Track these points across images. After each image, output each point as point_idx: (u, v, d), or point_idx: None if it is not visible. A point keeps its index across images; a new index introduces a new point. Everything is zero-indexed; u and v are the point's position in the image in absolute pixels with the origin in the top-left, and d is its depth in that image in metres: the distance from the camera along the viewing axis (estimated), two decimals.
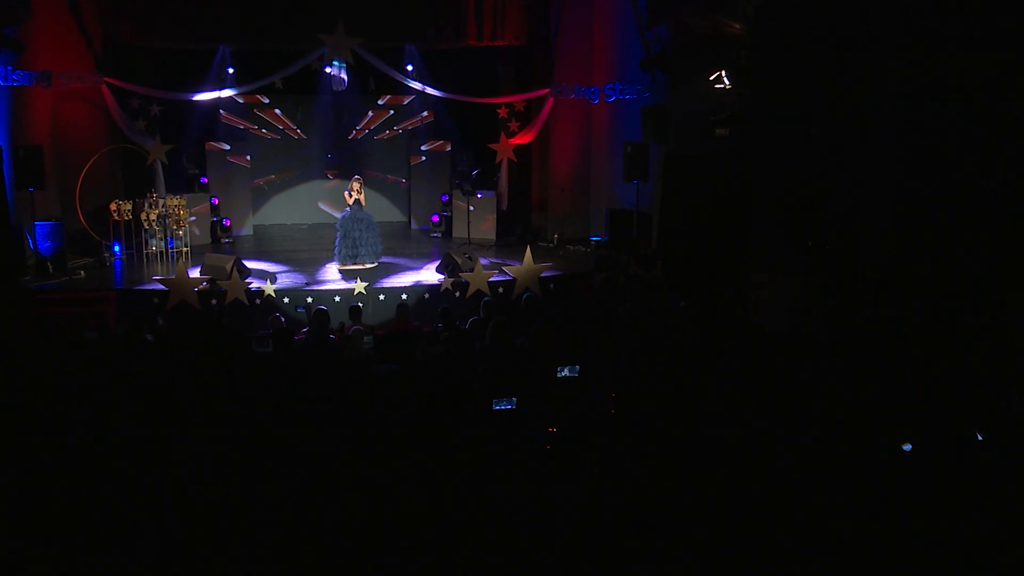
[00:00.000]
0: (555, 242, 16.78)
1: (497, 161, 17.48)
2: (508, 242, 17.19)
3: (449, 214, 18.07)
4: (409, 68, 16.91)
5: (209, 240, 16.99)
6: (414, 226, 19.20)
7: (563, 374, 7.10)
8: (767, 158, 12.05)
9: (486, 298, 10.57)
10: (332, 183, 19.55)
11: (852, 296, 10.15)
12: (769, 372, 7.71)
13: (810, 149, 11.15)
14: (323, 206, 19.71)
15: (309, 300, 12.82)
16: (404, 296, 13.18)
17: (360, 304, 11.30)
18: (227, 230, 17.37)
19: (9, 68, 13.52)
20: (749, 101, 12.32)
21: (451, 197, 17.91)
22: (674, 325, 9.96)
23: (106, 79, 15.21)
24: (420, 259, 15.56)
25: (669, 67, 14.24)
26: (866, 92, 10.08)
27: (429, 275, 14.08)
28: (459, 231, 17.75)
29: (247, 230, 18.37)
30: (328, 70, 16.89)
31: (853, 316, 10.03)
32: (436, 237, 17.99)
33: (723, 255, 12.90)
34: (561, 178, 17.50)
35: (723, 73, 12.49)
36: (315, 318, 9.98)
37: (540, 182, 17.82)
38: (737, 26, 12.62)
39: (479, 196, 16.93)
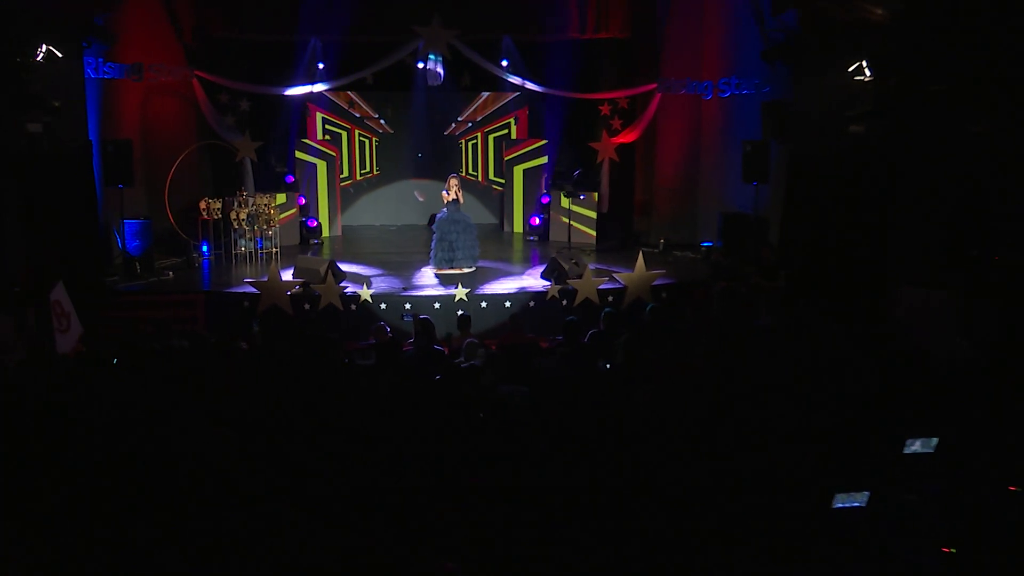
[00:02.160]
0: (661, 247, 15.68)
1: (598, 161, 16.48)
2: (609, 246, 16.17)
3: (547, 217, 17.13)
4: (504, 64, 16.00)
5: (297, 241, 16.33)
6: (506, 228, 18.30)
7: (913, 449, 5.33)
8: (917, 158, 10.86)
9: (607, 309, 9.59)
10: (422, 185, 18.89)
11: None
12: (943, 405, 6.57)
13: (972, 147, 9.93)
14: (417, 194, 18.95)
15: (407, 307, 12.01)
16: (508, 303, 12.27)
17: (467, 313, 10.41)
18: (313, 231, 16.67)
19: (100, 60, 12.99)
20: (894, 94, 11.13)
21: (552, 199, 16.96)
22: (827, 346, 8.82)
23: (196, 72, 14.60)
24: (519, 264, 14.65)
25: (794, 59, 13.05)
26: None
27: (532, 281, 13.16)
28: (556, 234, 16.83)
29: (336, 231, 17.66)
30: (420, 65, 16.16)
31: None
32: (533, 240, 17.05)
33: (859, 266, 11.72)
34: (667, 179, 16.41)
35: (864, 63, 11.29)
36: (420, 328, 9.10)
37: (644, 183, 16.74)
38: (879, 11, 11.43)
39: (582, 198, 15.93)
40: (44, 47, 10.25)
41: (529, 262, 14.88)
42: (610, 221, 16.67)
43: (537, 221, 17.27)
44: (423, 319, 9.45)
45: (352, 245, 16.65)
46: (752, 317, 10.99)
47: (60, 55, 10.60)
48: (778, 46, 13.33)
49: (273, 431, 6.09)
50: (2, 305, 8.63)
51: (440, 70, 15.36)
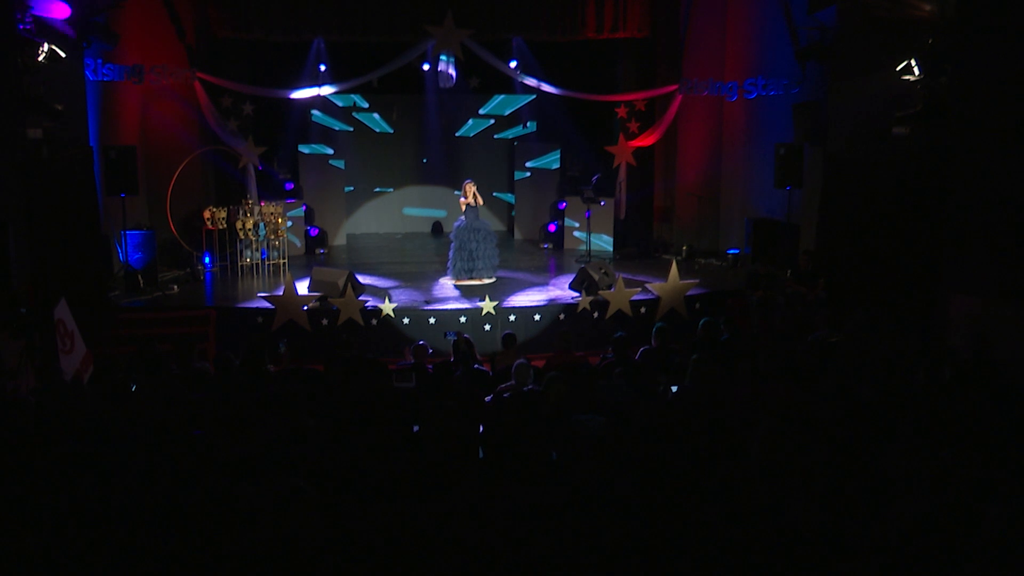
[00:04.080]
0: (684, 255, 15.10)
1: (615, 166, 15.86)
2: (627, 254, 15.60)
3: (561, 224, 16.52)
4: (512, 64, 15.34)
5: (303, 251, 15.60)
6: (518, 236, 17.66)
7: None
8: (974, 162, 10.30)
9: (659, 324, 8.96)
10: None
11: None
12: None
13: None
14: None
15: (432, 321, 11.35)
16: (537, 316, 11.63)
17: (511, 331, 9.74)
18: (318, 240, 15.94)
19: (99, 61, 12.20)
20: (947, 94, 10.58)
21: (568, 205, 16.36)
22: (895, 359, 8.24)
23: (199, 74, 13.84)
24: (539, 273, 14.02)
25: (831, 58, 12.50)
26: None
27: (560, 292, 12.52)
28: (571, 241, 16.24)
29: (340, 240, 16.96)
30: (426, 67, 15.51)
31: None
32: (548, 248, 16.42)
33: (907, 274, 11.16)
34: (689, 184, 15.80)
35: (913, 61, 10.75)
36: (465, 347, 8.43)
37: (665, 188, 16.12)
38: (927, 7, 10.90)
39: (602, 204, 15.31)
40: (46, 46, 9.49)
41: (547, 271, 14.27)
42: (628, 228, 16.08)
43: (553, 228, 16.63)
44: (462, 337, 8.81)
45: (359, 255, 15.94)
46: (804, 330, 10.42)
47: (63, 55, 9.84)
48: (812, 45, 12.77)
49: (334, 478, 5.43)
50: (7, 327, 7.86)
51: (452, 71, 14.69)
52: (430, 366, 8.28)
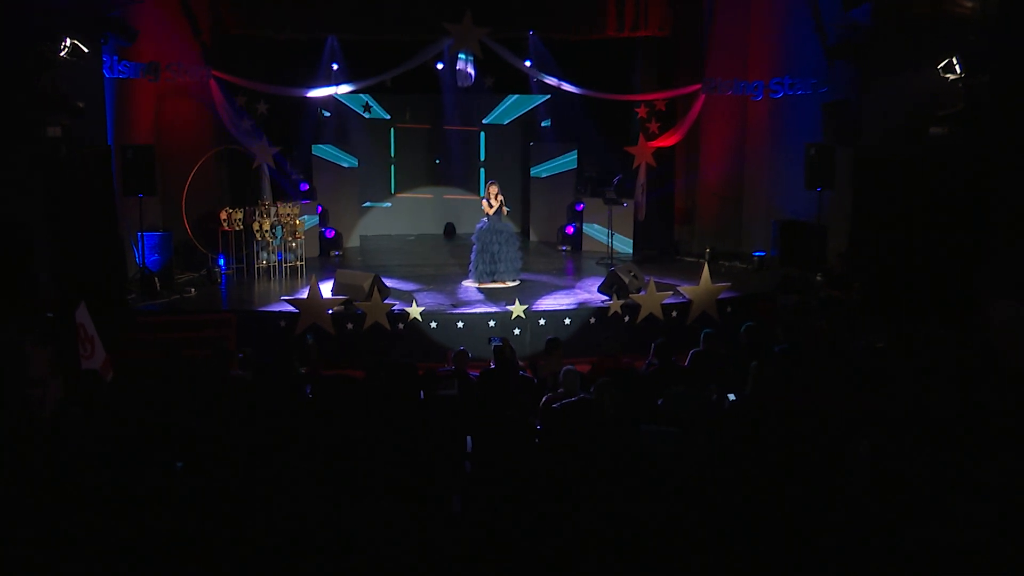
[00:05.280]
0: (707, 257, 14.80)
1: (634, 166, 15.55)
2: (648, 256, 15.32)
3: (579, 225, 16.24)
4: (528, 63, 15.05)
5: (317, 253, 15.27)
6: (534, 238, 17.37)
7: None
8: (1017, 161, 10.08)
9: (707, 330, 8.69)
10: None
11: None
12: None
13: None
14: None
15: (460, 325, 11.06)
16: (567, 320, 11.35)
17: (555, 336, 9.46)
18: (333, 242, 15.62)
19: (115, 58, 11.86)
20: (988, 94, 10.35)
21: (586, 207, 16.08)
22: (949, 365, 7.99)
23: (214, 72, 13.50)
24: (563, 276, 13.75)
25: (864, 56, 12.25)
26: None
27: (586, 295, 12.26)
28: (590, 244, 15.97)
29: (354, 241, 16.64)
30: (440, 66, 15.22)
31: None
32: (566, 250, 16.14)
33: (947, 277, 10.91)
34: (712, 185, 15.54)
35: (955, 59, 10.50)
36: (505, 353, 8.13)
37: (686, 190, 15.86)
38: (969, 5, 10.67)
39: (624, 205, 15.04)
40: (68, 41, 9.14)
41: (565, 273, 14.01)
42: (648, 230, 15.80)
43: (571, 230, 16.35)
44: (502, 341, 8.52)
45: (373, 257, 15.62)
46: (840, 335, 10.16)
47: (87, 50, 9.49)
48: (843, 43, 12.52)
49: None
50: (34, 333, 7.53)
51: (471, 70, 14.40)
52: (473, 372, 8.01)
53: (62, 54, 9.09)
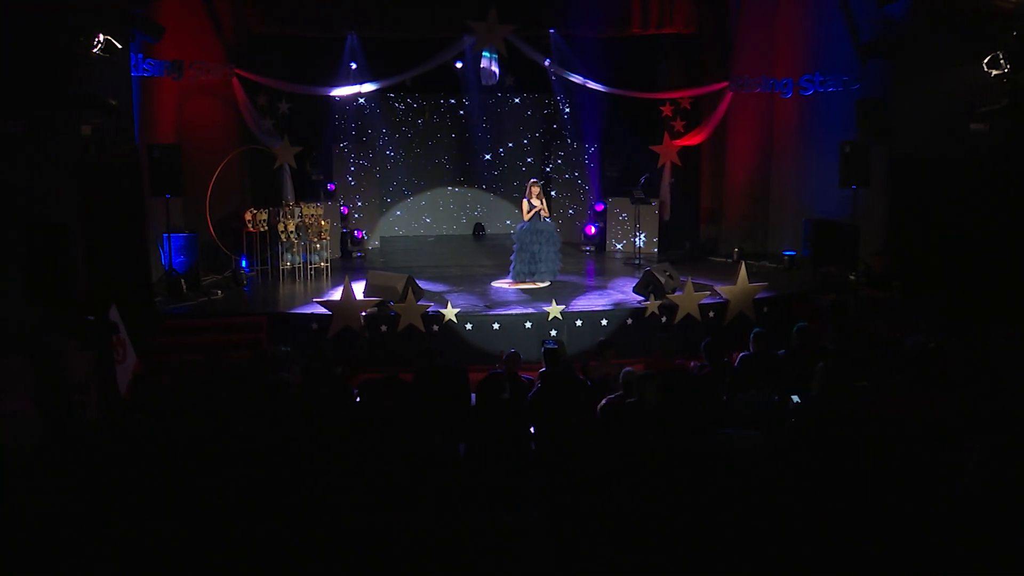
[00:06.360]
0: (735, 257, 14.63)
1: (659, 166, 15.38)
2: (674, 257, 15.10)
3: (602, 225, 16.05)
4: (547, 62, 14.86)
5: (339, 254, 15.05)
6: None
7: None
8: None
9: (757, 330, 8.49)
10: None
11: None
12: None
13: None
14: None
15: (495, 327, 10.86)
16: (604, 321, 11.15)
17: (608, 339, 9.28)
18: (359, 243, 15.42)
19: (140, 56, 11.65)
20: None
21: (607, 206, 15.90)
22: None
23: (237, 71, 13.30)
24: (591, 276, 13.57)
25: (899, 53, 12.07)
26: None
27: (621, 295, 12.06)
28: (612, 244, 15.79)
29: (374, 242, 16.45)
30: (459, 64, 15.02)
31: None
32: (589, 251, 15.94)
33: (996, 279, 10.72)
34: (739, 184, 15.36)
35: (1000, 55, 10.31)
36: (560, 355, 7.91)
37: (712, 189, 15.68)
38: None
39: (653, 204, 14.86)
40: (102, 37, 8.92)
41: (595, 273, 13.88)
42: (673, 229, 15.62)
43: (593, 230, 16.16)
44: (553, 345, 8.30)
45: (398, 257, 15.42)
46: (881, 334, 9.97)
47: (120, 46, 9.26)
48: (877, 40, 12.35)
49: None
50: (76, 336, 7.31)
51: (495, 68, 14.25)
52: (526, 376, 7.80)
53: (95, 50, 8.86)
